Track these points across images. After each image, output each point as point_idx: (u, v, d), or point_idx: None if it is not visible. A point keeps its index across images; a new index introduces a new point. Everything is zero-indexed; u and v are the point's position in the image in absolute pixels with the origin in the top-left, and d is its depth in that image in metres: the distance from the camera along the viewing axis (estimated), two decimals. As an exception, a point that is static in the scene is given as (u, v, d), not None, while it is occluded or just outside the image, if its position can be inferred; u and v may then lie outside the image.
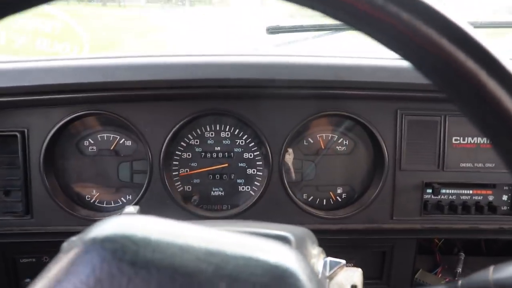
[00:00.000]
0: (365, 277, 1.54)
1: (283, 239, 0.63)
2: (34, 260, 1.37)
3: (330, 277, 0.73)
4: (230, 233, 0.46)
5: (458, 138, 1.32)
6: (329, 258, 0.73)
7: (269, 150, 1.29)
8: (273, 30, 1.57)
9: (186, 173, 1.36)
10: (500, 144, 0.38)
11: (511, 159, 0.38)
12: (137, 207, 0.88)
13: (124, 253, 0.37)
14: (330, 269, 0.73)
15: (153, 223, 0.43)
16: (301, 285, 0.39)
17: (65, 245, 0.42)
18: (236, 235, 0.45)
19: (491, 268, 0.83)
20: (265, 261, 0.40)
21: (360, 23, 0.39)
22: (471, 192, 1.35)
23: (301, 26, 1.55)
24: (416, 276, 1.53)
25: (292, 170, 1.38)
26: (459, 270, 1.52)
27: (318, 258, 0.73)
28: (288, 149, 1.36)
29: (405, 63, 1.22)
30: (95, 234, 0.39)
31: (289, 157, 1.37)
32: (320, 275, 0.69)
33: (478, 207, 1.34)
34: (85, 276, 0.36)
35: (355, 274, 0.81)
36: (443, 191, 1.34)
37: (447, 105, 1.29)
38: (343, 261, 0.73)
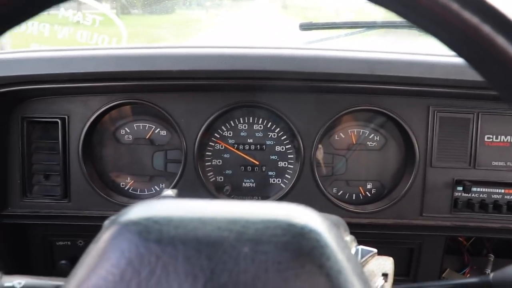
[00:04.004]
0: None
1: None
2: (69, 243, 1.41)
3: (362, 265, 0.74)
4: (249, 203, 0.47)
5: (491, 136, 1.31)
6: (361, 246, 0.74)
7: (301, 144, 1.31)
8: (306, 27, 1.59)
9: (218, 164, 1.39)
10: None
11: None
12: (175, 190, 0.91)
13: (149, 233, 0.39)
14: (362, 257, 0.74)
15: (172, 204, 0.45)
16: (321, 238, 0.41)
17: (106, 223, 0.45)
18: (254, 204, 0.47)
19: None
20: (284, 221, 0.41)
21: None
22: (503, 191, 1.34)
23: (334, 23, 1.56)
24: (443, 275, 1.53)
25: (322, 164, 1.40)
26: (488, 271, 1.50)
27: (351, 245, 0.74)
28: (318, 144, 1.38)
29: (438, 59, 1.22)
30: (121, 219, 0.42)
31: (319, 152, 1.39)
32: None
33: (510, 207, 1.33)
34: (116, 260, 0.38)
35: (387, 263, 0.83)
36: (474, 189, 1.34)
37: (480, 103, 1.29)
38: (375, 250, 0.75)
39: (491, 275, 0.90)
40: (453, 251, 1.60)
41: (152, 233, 0.39)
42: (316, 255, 0.39)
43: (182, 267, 0.38)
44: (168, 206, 0.44)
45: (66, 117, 1.30)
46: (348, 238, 0.77)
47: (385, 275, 0.82)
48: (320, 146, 1.38)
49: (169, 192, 0.93)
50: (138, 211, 0.43)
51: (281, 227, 0.40)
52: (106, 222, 0.45)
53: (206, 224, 0.40)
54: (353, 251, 0.74)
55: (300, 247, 0.39)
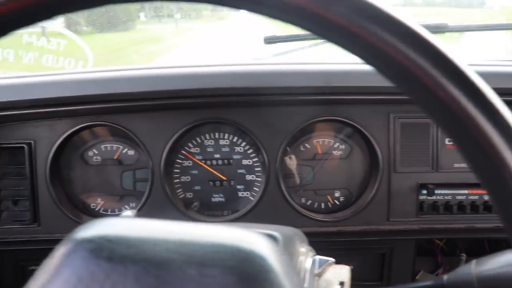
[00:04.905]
0: (366, 279, 1.57)
1: (269, 238, 0.67)
2: (42, 267, 1.41)
3: (319, 275, 0.76)
4: (202, 225, 0.48)
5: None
6: (318, 256, 0.76)
7: (265, 157, 1.33)
8: (270, 40, 1.61)
9: (187, 181, 1.40)
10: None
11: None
12: (134, 211, 0.93)
13: (101, 251, 0.40)
14: (319, 267, 0.76)
15: (129, 224, 0.46)
16: (267, 264, 0.42)
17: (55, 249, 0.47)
18: (207, 227, 0.48)
19: (474, 262, 0.86)
20: (232, 246, 0.42)
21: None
22: (466, 192, 1.37)
23: (297, 35, 1.59)
24: (417, 278, 1.55)
25: (296, 175, 1.42)
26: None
27: (307, 256, 0.76)
28: (291, 155, 1.40)
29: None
30: (76, 236, 0.43)
31: (291, 163, 1.41)
32: (307, 272, 0.72)
33: (474, 207, 1.36)
34: (67, 276, 0.39)
35: (343, 271, 0.84)
36: (439, 191, 1.36)
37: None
38: (332, 259, 0.76)
39: (445, 277, 0.92)
40: (428, 253, 1.62)
41: (104, 251, 0.40)
42: (260, 281, 0.40)
43: (130, 285, 0.39)
44: (124, 225, 0.45)
45: (32, 142, 1.31)
46: (304, 249, 0.78)
47: (342, 284, 0.84)
48: (293, 157, 1.40)
49: (129, 213, 0.95)
50: (94, 228, 0.44)
51: (229, 251, 0.42)
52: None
53: (157, 245, 0.42)
54: (309, 261, 0.75)
55: (245, 272, 0.40)
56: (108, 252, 0.40)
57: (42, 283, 0.40)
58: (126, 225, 0.46)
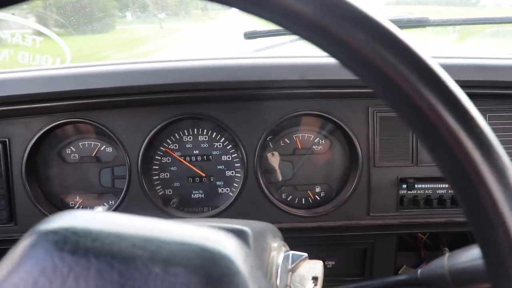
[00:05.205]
0: (348, 274, 1.57)
1: (240, 233, 0.66)
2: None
3: (292, 270, 0.75)
4: (170, 222, 0.47)
5: (431, 133, 1.33)
6: (292, 252, 0.75)
7: (244, 152, 1.32)
8: (250, 35, 1.60)
9: (166, 177, 1.39)
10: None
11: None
12: (105, 207, 0.91)
13: (65, 244, 0.39)
14: (292, 262, 0.75)
15: (97, 217, 0.45)
16: (233, 266, 0.41)
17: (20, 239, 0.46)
18: (175, 224, 0.47)
19: (446, 255, 0.86)
20: (198, 245, 0.41)
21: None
22: (447, 186, 1.36)
23: (277, 30, 1.58)
24: (399, 272, 1.55)
25: (278, 171, 1.41)
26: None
27: (279, 251, 0.75)
28: (273, 152, 1.39)
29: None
30: (41, 227, 0.41)
31: (274, 159, 1.40)
32: (279, 268, 0.72)
33: (454, 201, 1.35)
34: (30, 267, 0.38)
35: (317, 266, 0.84)
36: (419, 185, 1.36)
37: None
38: (305, 254, 0.75)
39: (419, 270, 0.92)
40: (411, 247, 1.62)
41: (68, 244, 0.39)
42: (225, 282, 0.40)
43: (93, 280, 0.38)
44: (90, 218, 0.44)
45: (7, 140, 1.29)
46: (276, 244, 0.77)
47: (315, 279, 0.83)
48: (275, 153, 1.40)
49: (100, 209, 0.94)
50: (59, 220, 0.43)
51: (195, 251, 0.41)
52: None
53: (123, 240, 0.41)
54: (281, 256, 0.75)
55: (210, 273, 0.39)
56: (72, 244, 0.39)
57: (4, 273, 0.39)
58: (92, 218, 0.44)
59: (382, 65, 0.37)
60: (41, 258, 0.39)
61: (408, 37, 0.38)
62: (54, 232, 0.40)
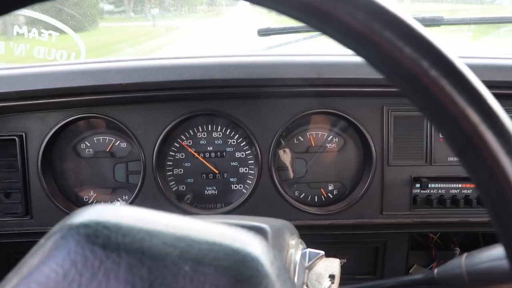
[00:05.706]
0: (359, 272, 1.57)
1: (259, 230, 0.66)
2: (35, 260, 1.41)
3: (309, 268, 0.75)
4: (199, 221, 0.47)
5: (445, 132, 1.33)
6: (308, 249, 0.75)
7: (258, 149, 1.33)
8: (264, 33, 1.60)
9: (179, 173, 1.40)
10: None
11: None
12: (125, 203, 0.92)
13: (97, 238, 0.40)
14: (309, 260, 0.75)
15: (126, 211, 0.45)
16: (262, 268, 0.41)
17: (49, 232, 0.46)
18: (204, 223, 0.47)
19: (464, 255, 0.86)
20: (228, 246, 0.42)
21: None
22: (460, 185, 1.36)
23: (291, 28, 1.58)
24: (410, 271, 1.55)
25: (290, 168, 1.41)
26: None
27: (297, 249, 0.75)
28: (285, 149, 1.40)
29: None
30: (72, 221, 0.42)
31: (286, 156, 1.40)
32: (297, 265, 0.72)
33: (468, 201, 1.35)
34: (61, 259, 0.39)
35: (333, 264, 0.84)
36: (432, 185, 1.36)
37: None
38: (322, 252, 0.76)
39: (435, 270, 0.92)
40: (422, 247, 1.62)
41: (100, 238, 0.40)
42: (254, 284, 0.40)
43: (123, 275, 0.38)
44: (121, 213, 0.45)
45: (24, 134, 1.30)
46: (294, 241, 0.77)
47: (332, 277, 0.83)
48: (287, 150, 1.40)
49: (118, 204, 0.94)
50: (90, 214, 0.43)
51: (224, 251, 0.41)
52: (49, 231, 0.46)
53: (153, 237, 0.41)
54: (299, 254, 0.75)
55: (239, 274, 0.40)
56: (104, 238, 0.40)
57: (35, 263, 0.39)
58: (122, 213, 0.45)
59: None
60: (73, 250, 0.39)
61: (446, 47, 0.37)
62: (85, 226, 0.41)
